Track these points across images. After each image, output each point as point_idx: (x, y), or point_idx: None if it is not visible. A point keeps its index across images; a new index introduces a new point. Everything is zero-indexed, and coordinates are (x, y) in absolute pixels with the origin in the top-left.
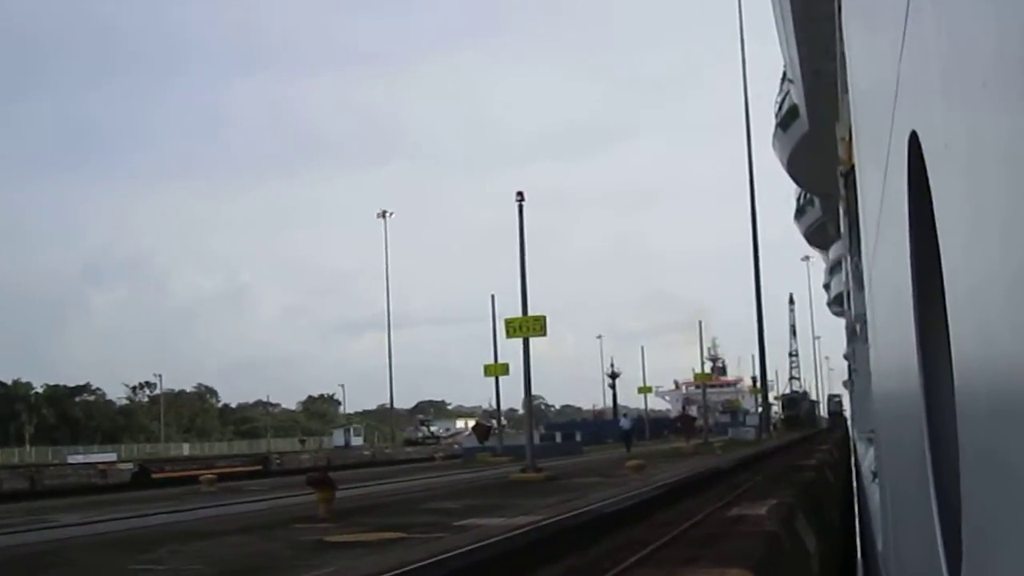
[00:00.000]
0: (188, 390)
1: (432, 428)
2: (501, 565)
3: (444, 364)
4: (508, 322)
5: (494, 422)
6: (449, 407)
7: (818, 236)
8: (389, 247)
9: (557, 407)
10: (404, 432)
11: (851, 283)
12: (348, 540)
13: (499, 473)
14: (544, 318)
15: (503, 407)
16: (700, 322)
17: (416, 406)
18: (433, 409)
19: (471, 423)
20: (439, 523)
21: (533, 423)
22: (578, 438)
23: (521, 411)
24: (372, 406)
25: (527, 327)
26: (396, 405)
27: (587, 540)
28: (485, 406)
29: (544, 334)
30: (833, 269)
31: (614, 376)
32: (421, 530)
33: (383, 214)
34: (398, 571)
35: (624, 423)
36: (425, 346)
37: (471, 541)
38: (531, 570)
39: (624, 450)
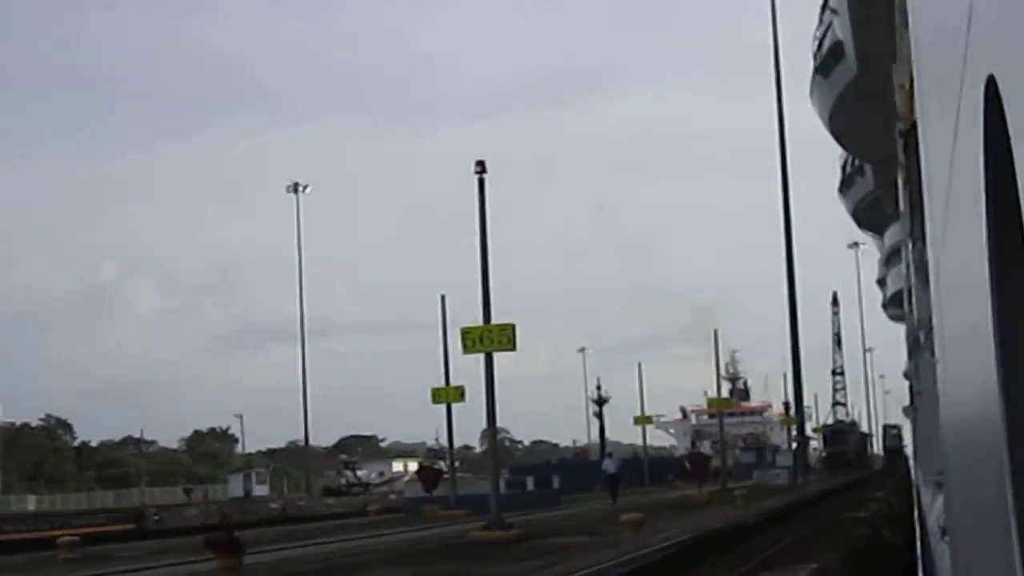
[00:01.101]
0: (33, 424)
1: (360, 472)
2: None
3: (377, 387)
4: (465, 333)
5: (443, 464)
6: (383, 444)
7: (870, 215)
8: (303, 231)
9: (527, 443)
10: (323, 478)
11: (913, 278)
12: None
13: (454, 531)
14: (512, 327)
15: (455, 444)
16: (716, 331)
17: (339, 443)
18: (362, 447)
19: (413, 465)
20: None
21: (498, 465)
22: (556, 484)
23: (480, 449)
24: (280, 443)
25: (490, 339)
26: (313, 442)
27: None
28: (431, 443)
29: (512, 348)
30: (890, 259)
31: (601, 402)
32: None
33: (296, 187)
34: None
35: (608, 465)
36: (352, 363)
37: None
38: None
39: (610, 501)
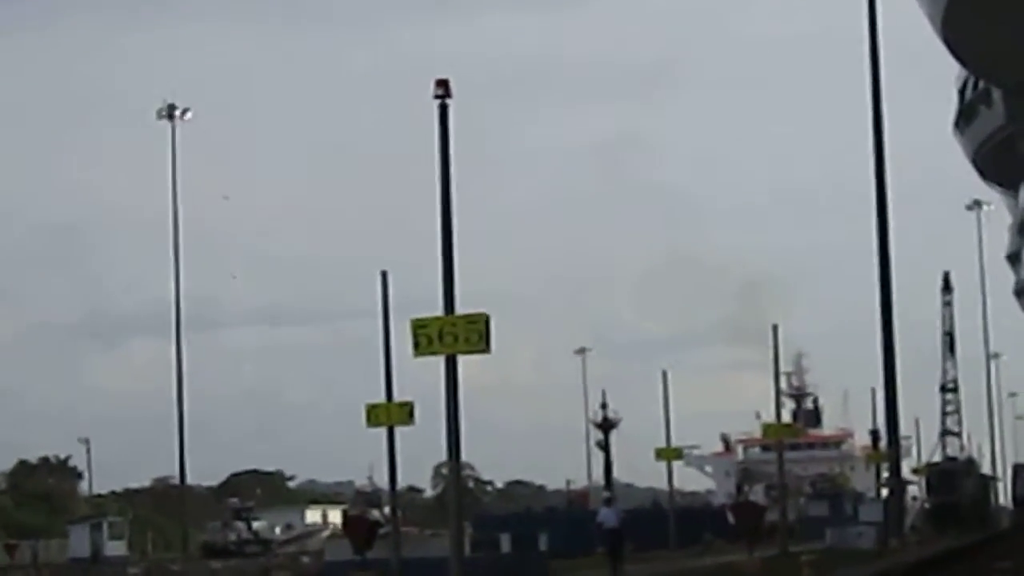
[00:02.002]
0: None
1: (258, 524)
2: None
3: (285, 402)
4: (418, 327)
5: (380, 513)
6: (292, 484)
7: (999, 162)
8: (181, 177)
9: (500, 485)
10: (204, 532)
11: None
12: None
13: None
14: (485, 320)
15: (398, 485)
16: (775, 326)
17: (228, 482)
18: (261, 489)
19: (336, 515)
20: None
21: (461, 516)
22: (543, 545)
23: (432, 492)
24: (143, 481)
25: (453, 336)
26: (191, 480)
27: None
28: (360, 482)
29: (485, 349)
30: None
31: (608, 427)
32: None
33: (170, 112)
34: None
35: (606, 517)
36: (249, 368)
37: None
38: None
39: (610, 571)
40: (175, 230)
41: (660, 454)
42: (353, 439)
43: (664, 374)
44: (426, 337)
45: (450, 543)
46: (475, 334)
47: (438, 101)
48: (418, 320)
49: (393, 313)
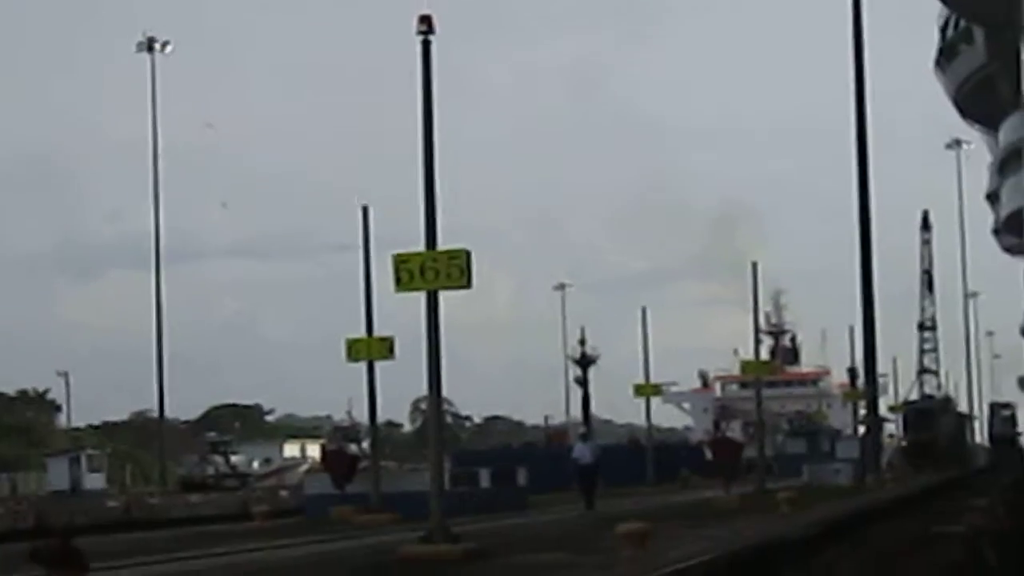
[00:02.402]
0: None
1: (236, 458)
2: None
3: (263, 337)
4: (401, 262)
5: (354, 447)
6: (270, 419)
7: (979, 101)
8: (161, 108)
9: (478, 421)
10: (182, 466)
11: None
12: None
13: (379, 544)
14: (466, 255)
15: (378, 419)
16: (754, 263)
17: (206, 416)
18: (240, 422)
19: (314, 449)
20: None
21: (442, 450)
22: (522, 480)
23: (410, 428)
24: (121, 415)
25: (435, 272)
26: (170, 414)
27: None
28: (339, 416)
29: (466, 285)
30: (1007, 164)
31: (586, 363)
32: None
33: (150, 44)
34: None
35: (582, 453)
36: (228, 302)
37: None
38: None
39: (584, 505)
40: (155, 162)
41: (639, 390)
42: (332, 374)
43: (643, 311)
44: (408, 272)
45: (430, 477)
46: (456, 270)
47: (421, 37)
48: (400, 255)
49: (375, 246)
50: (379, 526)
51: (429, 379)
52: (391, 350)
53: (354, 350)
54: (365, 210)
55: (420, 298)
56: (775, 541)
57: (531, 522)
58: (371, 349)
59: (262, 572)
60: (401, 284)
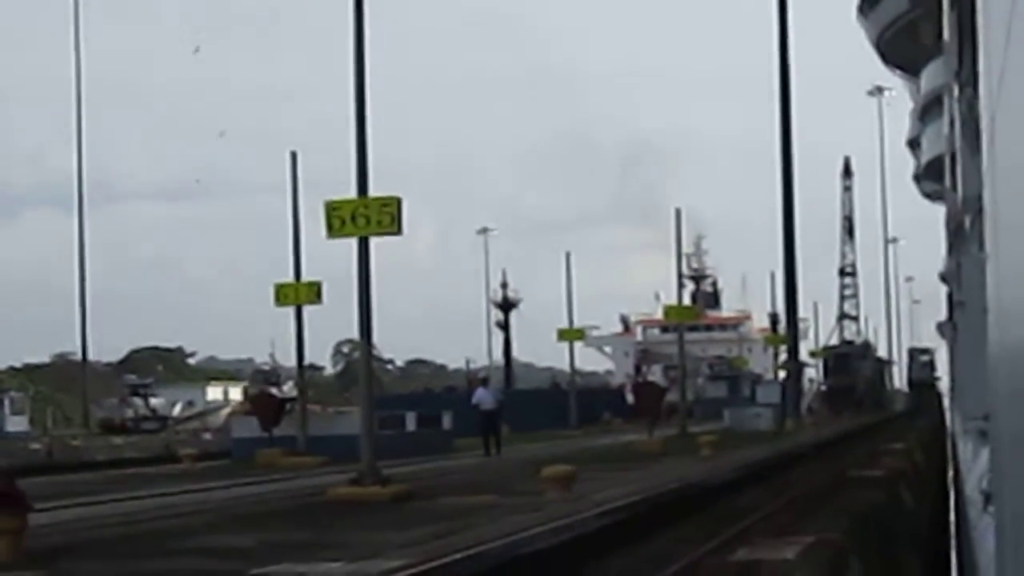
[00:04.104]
0: None
1: (156, 401)
2: None
3: (186, 279)
4: (332, 208)
5: (274, 390)
6: (192, 361)
7: (900, 48)
8: (82, 36)
9: (400, 364)
10: (101, 409)
11: (959, 138)
12: None
13: (308, 486)
14: (397, 202)
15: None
16: (678, 210)
17: (128, 358)
18: (162, 364)
19: (236, 392)
20: (220, 573)
21: (372, 393)
22: (447, 424)
23: (332, 370)
24: (43, 356)
25: (365, 218)
26: (91, 355)
27: None
28: (261, 360)
29: (397, 231)
30: (927, 111)
31: (508, 307)
32: None
33: None
34: None
35: (483, 398)
36: (150, 244)
37: None
38: None
39: (484, 451)
40: (78, 98)
41: (562, 335)
42: (255, 317)
43: (567, 256)
44: (339, 219)
45: (361, 420)
46: (387, 216)
47: None
48: (332, 202)
49: (303, 189)
50: (306, 468)
51: (360, 325)
52: (319, 295)
53: (282, 294)
54: (294, 156)
55: (344, 243)
56: (699, 482)
57: (457, 465)
58: (299, 294)
59: (195, 514)
60: (333, 230)
